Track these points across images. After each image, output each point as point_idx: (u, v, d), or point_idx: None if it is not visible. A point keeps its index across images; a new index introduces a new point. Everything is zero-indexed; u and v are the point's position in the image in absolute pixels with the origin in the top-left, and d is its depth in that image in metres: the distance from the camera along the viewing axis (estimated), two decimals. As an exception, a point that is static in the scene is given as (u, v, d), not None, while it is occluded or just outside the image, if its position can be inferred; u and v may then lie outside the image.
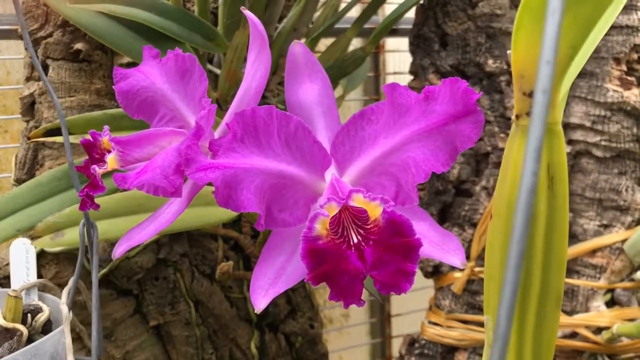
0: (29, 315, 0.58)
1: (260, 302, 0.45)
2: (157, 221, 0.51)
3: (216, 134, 0.53)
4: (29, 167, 0.87)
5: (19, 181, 0.86)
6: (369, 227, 0.42)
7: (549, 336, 0.35)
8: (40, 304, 0.61)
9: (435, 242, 0.46)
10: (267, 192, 0.45)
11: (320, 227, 0.42)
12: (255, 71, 0.52)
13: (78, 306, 0.82)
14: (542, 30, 0.23)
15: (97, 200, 0.56)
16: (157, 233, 0.50)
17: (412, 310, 1.31)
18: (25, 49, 0.90)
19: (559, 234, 0.34)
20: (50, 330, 0.60)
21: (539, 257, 0.34)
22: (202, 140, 0.47)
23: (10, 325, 0.55)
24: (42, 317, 0.58)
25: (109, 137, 0.51)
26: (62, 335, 0.56)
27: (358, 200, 0.42)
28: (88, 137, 0.54)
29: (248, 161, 0.44)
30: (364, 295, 0.43)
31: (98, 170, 0.50)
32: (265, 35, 0.51)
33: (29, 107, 0.89)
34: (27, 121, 0.89)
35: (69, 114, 0.85)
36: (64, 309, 0.57)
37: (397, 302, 1.38)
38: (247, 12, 0.50)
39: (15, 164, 0.88)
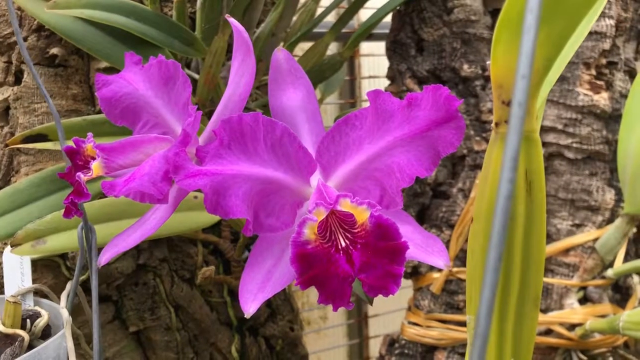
0: (27, 320, 0.58)
1: (249, 306, 0.45)
2: (142, 228, 0.51)
3: (201, 140, 0.54)
4: (4, 174, 0.85)
5: (-7, 187, 0.85)
6: (356, 231, 0.43)
7: (528, 334, 0.37)
8: (38, 309, 0.61)
9: (420, 244, 0.48)
10: (255, 198, 0.46)
11: (309, 232, 0.42)
12: (239, 78, 0.52)
13: (75, 312, 0.81)
14: (519, 45, 0.24)
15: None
16: (143, 239, 0.51)
17: (389, 311, 1.33)
18: (1, 53, 0.88)
19: (537, 236, 0.35)
20: (49, 335, 0.59)
21: (518, 258, 0.36)
22: (188, 147, 0.47)
23: (10, 331, 0.55)
24: (41, 322, 0.58)
25: (93, 144, 0.51)
26: (63, 340, 0.56)
27: (345, 205, 0.43)
28: (71, 143, 0.54)
29: (235, 167, 0.44)
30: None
31: (83, 177, 0.50)
32: (249, 42, 0.51)
33: (3, 113, 0.87)
34: (2, 127, 0.88)
35: (45, 120, 0.84)
36: (64, 313, 0.57)
37: (374, 304, 1.40)
38: (232, 20, 0.51)
39: (-10, 170, 0.87)
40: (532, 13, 0.25)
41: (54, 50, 0.85)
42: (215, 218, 0.71)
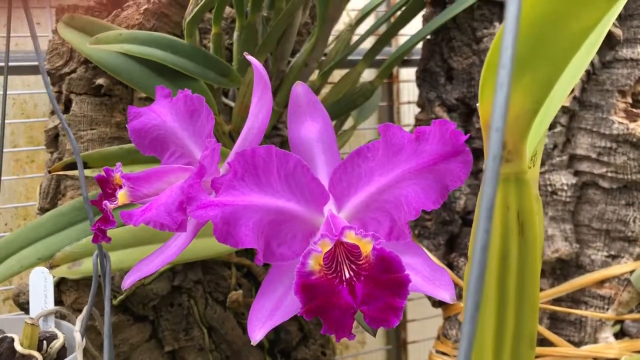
0: (44, 342, 0.61)
1: (256, 334, 0.47)
2: (164, 254, 0.54)
3: (222, 170, 0.56)
4: (52, 197, 0.91)
5: (42, 210, 0.90)
6: (360, 262, 0.44)
7: (525, 374, 0.37)
8: (56, 331, 0.64)
9: (427, 277, 0.48)
10: (266, 228, 0.47)
11: (314, 263, 0.43)
12: (258, 112, 0.54)
13: (95, 331, 0.85)
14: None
15: (111, 232, 0.59)
16: (164, 265, 0.53)
17: (428, 337, 1.32)
18: (51, 84, 0.94)
19: (531, 277, 0.35)
20: (64, 357, 0.62)
21: (511, 299, 0.36)
22: (206, 177, 0.49)
23: (26, 352, 0.58)
24: (56, 344, 0.61)
25: (120, 174, 0.54)
26: None
27: (350, 237, 0.44)
28: (102, 173, 0.57)
29: (247, 198, 0.46)
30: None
31: (109, 205, 0.53)
32: (267, 79, 0.53)
33: (53, 139, 0.93)
34: (52, 152, 0.94)
35: (90, 146, 0.89)
36: (77, 336, 0.60)
37: (414, 330, 1.39)
38: (250, 58, 0.53)
39: (40, 193, 0.93)
40: (505, 69, 0.26)
41: (100, 81, 0.90)
42: (243, 243, 0.73)
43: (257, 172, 0.47)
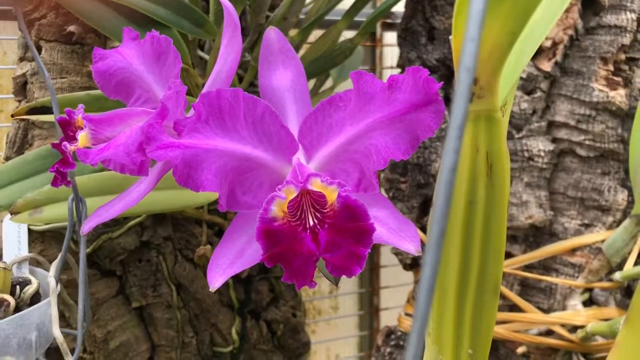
0: (17, 287, 0.60)
1: (216, 281, 0.45)
2: (125, 200, 0.52)
3: (189, 115, 0.54)
4: (19, 146, 0.88)
5: (8, 159, 0.88)
6: (325, 211, 0.43)
7: (487, 323, 0.36)
8: (30, 276, 0.62)
9: (394, 229, 0.47)
10: (230, 174, 0.46)
11: (277, 209, 0.42)
12: (227, 55, 0.52)
13: (71, 285, 0.83)
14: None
15: (77, 180, 0.56)
16: (125, 210, 0.51)
17: (401, 305, 1.32)
18: (20, 29, 0.91)
19: (497, 222, 0.34)
20: (38, 302, 0.61)
21: (477, 245, 0.34)
22: (168, 120, 0.47)
23: None
24: (30, 289, 0.60)
25: (82, 115, 0.52)
26: (49, 307, 0.58)
27: (316, 184, 0.43)
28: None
29: (211, 142, 0.45)
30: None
31: (69, 147, 0.51)
32: (237, 21, 0.51)
33: (21, 87, 0.90)
34: (19, 101, 0.91)
35: (59, 95, 0.86)
36: (52, 281, 0.59)
37: (386, 296, 1.39)
38: (221, -3, 0.51)
39: (6, 142, 0.90)
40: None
41: (72, 28, 0.86)
42: (212, 197, 0.71)
43: (222, 116, 0.45)
